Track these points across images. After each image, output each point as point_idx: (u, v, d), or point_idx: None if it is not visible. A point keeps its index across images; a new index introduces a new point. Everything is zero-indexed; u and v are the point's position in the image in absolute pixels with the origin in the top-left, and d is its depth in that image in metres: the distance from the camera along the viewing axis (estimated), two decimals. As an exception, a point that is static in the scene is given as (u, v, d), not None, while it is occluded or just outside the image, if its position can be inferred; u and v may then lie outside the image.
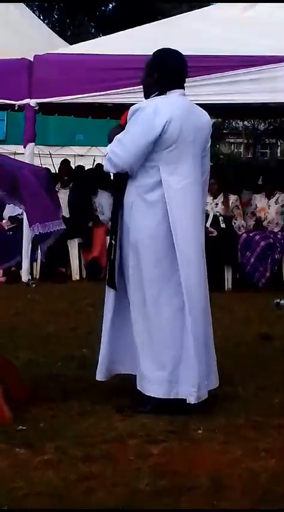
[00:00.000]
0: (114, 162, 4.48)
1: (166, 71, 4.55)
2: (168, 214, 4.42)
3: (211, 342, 4.59)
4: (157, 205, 4.44)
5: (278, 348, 6.02)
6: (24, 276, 9.15)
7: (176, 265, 4.44)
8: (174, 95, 4.54)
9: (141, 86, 4.74)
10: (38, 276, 9.55)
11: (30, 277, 9.16)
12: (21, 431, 4.09)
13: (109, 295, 4.61)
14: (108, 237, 9.81)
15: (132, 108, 4.49)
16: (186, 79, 4.65)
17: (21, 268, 9.24)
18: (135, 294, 4.51)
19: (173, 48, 4.66)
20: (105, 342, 4.62)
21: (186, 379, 4.41)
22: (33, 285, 8.94)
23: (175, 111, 4.46)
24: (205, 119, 4.65)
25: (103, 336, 4.63)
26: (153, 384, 4.45)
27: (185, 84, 4.63)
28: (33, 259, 9.30)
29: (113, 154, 4.47)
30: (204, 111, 4.70)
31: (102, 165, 5.42)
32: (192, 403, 4.38)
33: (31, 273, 9.34)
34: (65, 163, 10.57)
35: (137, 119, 4.44)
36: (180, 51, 4.63)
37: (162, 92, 4.53)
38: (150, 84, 4.60)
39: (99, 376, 4.64)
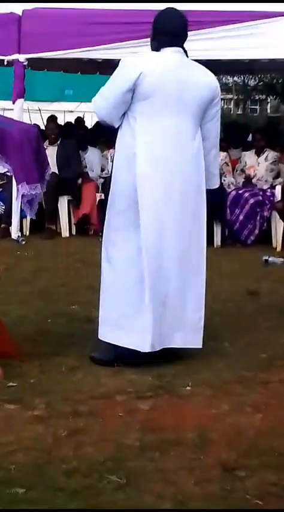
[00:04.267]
0: (96, 112, 4.60)
1: (159, 30, 4.62)
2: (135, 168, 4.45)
3: (187, 299, 4.57)
4: (132, 157, 4.46)
5: (265, 304, 6.07)
6: (14, 233, 9.15)
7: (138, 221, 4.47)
8: (166, 52, 4.56)
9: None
10: (27, 233, 9.55)
11: (19, 234, 9.16)
12: (11, 387, 4.14)
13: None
14: (98, 194, 9.87)
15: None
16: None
17: (10, 225, 9.24)
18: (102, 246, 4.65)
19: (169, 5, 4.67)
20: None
21: (139, 328, 4.45)
22: (23, 242, 8.94)
23: (155, 65, 4.49)
24: (205, 79, 4.60)
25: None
26: (108, 329, 4.56)
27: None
28: (22, 215, 9.29)
29: (95, 105, 4.59)
30: (210, 73, 4.66)
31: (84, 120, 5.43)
32: (145, 351, 4.42)
33: (21, 229, 9.34)
34: (52, 121, 10.47)
35: (117, 71, 4.53)
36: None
37: (157, 50, 4.60)
38: (151, 41, 4.69)
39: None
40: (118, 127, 4.56)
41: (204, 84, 4.58)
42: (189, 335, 4.59)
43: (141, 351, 4.43)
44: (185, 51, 4.61)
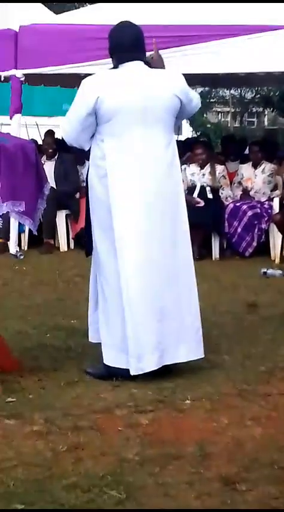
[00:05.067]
0: (64, 137, 4.62)
1: (114, 46, 4.62)
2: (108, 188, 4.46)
3: (176, 312, 4.54)
4: (104, 178, 4.47)
5: (264, 317, 6.07)
6: (12, 248, 9.16)
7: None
8: (126, 68, 4.54)
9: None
10: (25, 247, 9.56)
11: (18, 249, 9.16)
12: (10, 402, 4.13)
13: None
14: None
15: None
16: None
17: (8, 240, 9.24)
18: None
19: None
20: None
21: (129, 349, 4.46)
22: (21, 256, 8.95)
23: (114, 86, 4.47)
24: (169, 85, 4.54)
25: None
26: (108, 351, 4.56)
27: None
28: (20, 230, 9.31)
29: (62, 129, 4.61)
30: (174, 75, 4.63)
31: None
32: (132, 374, 4.43)
33: (19, 244, 9.35)
34: (49, 135, 10.48)
35: (77, 95, 4.53)
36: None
37: (116, 66, 4.59)
38: (111, 58, 4.67)
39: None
40: (90, 148, 4.56)
41: (169, 90, 4.53)
42: (191, 347, 4.58)
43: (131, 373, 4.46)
44: (146, 62, 4.58)
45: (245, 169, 9.70)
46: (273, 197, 9.39)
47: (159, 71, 4.65)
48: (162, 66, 4.77)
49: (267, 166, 9.57)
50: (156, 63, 4.75)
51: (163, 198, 4.50)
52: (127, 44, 4.56)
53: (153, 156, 4.48)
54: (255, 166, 9.63)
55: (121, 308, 4.46)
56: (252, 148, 9.88)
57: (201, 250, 9.00)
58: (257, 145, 9.91)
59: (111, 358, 4.53)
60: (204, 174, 9.39)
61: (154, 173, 4.49)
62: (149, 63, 4.62)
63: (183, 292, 4.58)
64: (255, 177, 9.58)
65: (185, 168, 9.51)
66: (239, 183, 9.67)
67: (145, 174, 4.47)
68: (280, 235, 9.00)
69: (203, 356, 4.63)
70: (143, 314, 4.46)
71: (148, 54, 4.68)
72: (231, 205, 9.26)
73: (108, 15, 8.85)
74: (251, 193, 9.51)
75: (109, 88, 4.47)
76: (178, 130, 16.92)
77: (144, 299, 4.46)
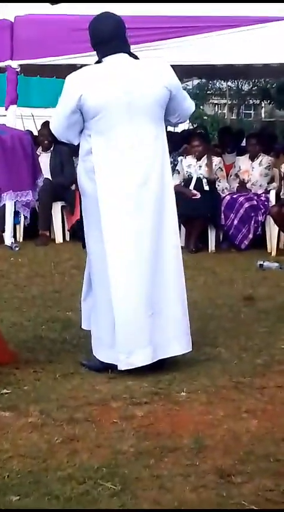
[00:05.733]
0: (53, 132, 4.64)
1: (95, 39, 4.57)
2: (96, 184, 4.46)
3: (166, 307, 4.52)
4: (91, 173, 4.47)
5: (261, 310, 6.06)
6: (8, 239, 9.14)
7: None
8: (109, 61, 4.50)
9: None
10: (21, 239, 9.54)
11: (13, 240, 9.14)
12: (5, 394, 4.11)
13: None
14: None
15: None
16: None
17: (4, 231, 9.22)
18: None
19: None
20: None
21: (118, 344, 4.46)
22: (17, 248, 8.93)
23: (97, 82, 4.43)
24: (156, 76, 4.48)
25: None
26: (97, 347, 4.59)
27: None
28: (16, 222, 9.29)
29: (51, 125, 4.64)
30: (161, 65, 4.57)
31: None
32: (122, 369, 4.42)
33: (14, 236, 9.33)
34: (45, 127, 10.43)
35: (63, 89, 4.51)
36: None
37: (100, 60, 4.55)
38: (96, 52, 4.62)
39: None
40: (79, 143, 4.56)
41: (155, 82, 4.47)
42: (182, 341, 4.57)
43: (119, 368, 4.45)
44: (132, 54, 4.53)
45: (243, 162, 9.68)
46: (270, 189, 9.38)
47: (145, 63, 4.59)
48: None
49: (264, 159, 9.56)
50: None
51: (150, 192, 4.46)
52: (107, 36, 4.50)
53: (139, 150, 4.44)
54: (252, 158, 9.61)
55: (110, 304, 4.45)
56: (250, 141, 9.86)
57: (197, 243, 8.99)
58: (255, 138, 9.89)
59: (100, 353, 4.54)
60: (200, 166, 9.37)
61: (140, 167, 4.45)
62: (134, 55, 4.56)
63: (172, 286, 4.54)
64: (252, 169, 9.56)
65: (181, 160, 9.50)
66: (236, 175, 9.65)
67: (131, 169, 4.44)
68: (277, 228, 8.99)
69: (191, 349, 4.61)
70: (132, 309, 4.44)
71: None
72: (228, 198, 9.25)
73: (104, 6, 8.82)
74: (248, 185, 9.50)
75: (93, 84, 4.43)
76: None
77: (132, 294, 4.44)
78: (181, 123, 4.97)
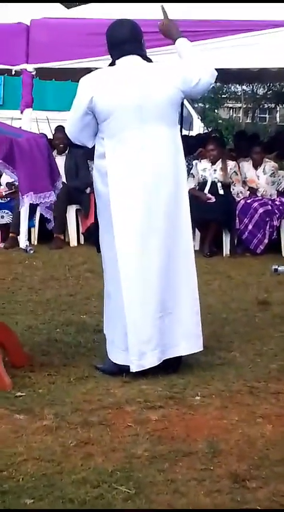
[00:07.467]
0: (68, 135, 4.70)
1: (110, 43, 4.62)
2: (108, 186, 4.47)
3: (176, 308, 4.52)
4: (105, 176, 4.48)
5: (276, 314, 6.04)
6: (22, 242, 9.15)
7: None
8: (121, 64, 4.52)
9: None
10: (35, 242, 9.55)
11: (28, 243, 9.16)
12: (20, 397, 4.12)
13: None
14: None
15: None
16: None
17: (19, 234, 9.24)
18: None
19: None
20: None
21: (129, 346, 4.47)
22: (31, 251, 8.94)
23: (109, 84, 4.45)
24: (169, 77, 4.49)
25: None
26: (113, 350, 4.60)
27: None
28: (31, 225, 9.30)
29: (66, 128, 4.70)
30: (170, 66, 4.61)
31: None
32: (134, 371, 4.42)
33: (29, 239, 9.34)
34: (60, 130, 10.45)
35: (77, 92, 4.54)
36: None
37: (113, 63, 4.58)
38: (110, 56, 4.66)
39: None
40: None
41: (168, 83, 4.48)
42: (191, 341, 4.57)
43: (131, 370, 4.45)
44: (146, 57, 4.55)
45: (247, 169, 9.58)
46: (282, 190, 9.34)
47: (157, 65, 4.61)
48: (176, 33, 4.73)
49: (267, 166, 9.46)
50: (166, 29, 4.75)
51: (162, 193, 4.46)
52: (121, 39, 4.54)
53: (151, 151, 4.44)
54: (256, 166, 9.54)
55: (121, 306, 4.46)
56: (254, 150, 9.74)
57: (211, 247, 8.98)
58: (260, 147, 9.81)
59: (114, 356, 4.54)
60: (215, 170, 9.35)
61: (152, 168, 4.44)
62: (148, 58, 4.58)
63: (183, 287, 4.54)
64: (258, 178, 9.49)
65: (196, 164, 9.48)
66: (244, 182, 9.58)
67: (144, 172, 4.44)
68: (292, 233, 8.95)
69: (202, 349, 4.61)
70: (143, 311, 4.45)
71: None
72: (242, 202, 9.22)
73: (119, 10, 8.84)
74: (259, 194, 9.41)
75: (104, 87, 4.45)
76: (189, 125, 16.91)
77: (143, 297, 4.45)
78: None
